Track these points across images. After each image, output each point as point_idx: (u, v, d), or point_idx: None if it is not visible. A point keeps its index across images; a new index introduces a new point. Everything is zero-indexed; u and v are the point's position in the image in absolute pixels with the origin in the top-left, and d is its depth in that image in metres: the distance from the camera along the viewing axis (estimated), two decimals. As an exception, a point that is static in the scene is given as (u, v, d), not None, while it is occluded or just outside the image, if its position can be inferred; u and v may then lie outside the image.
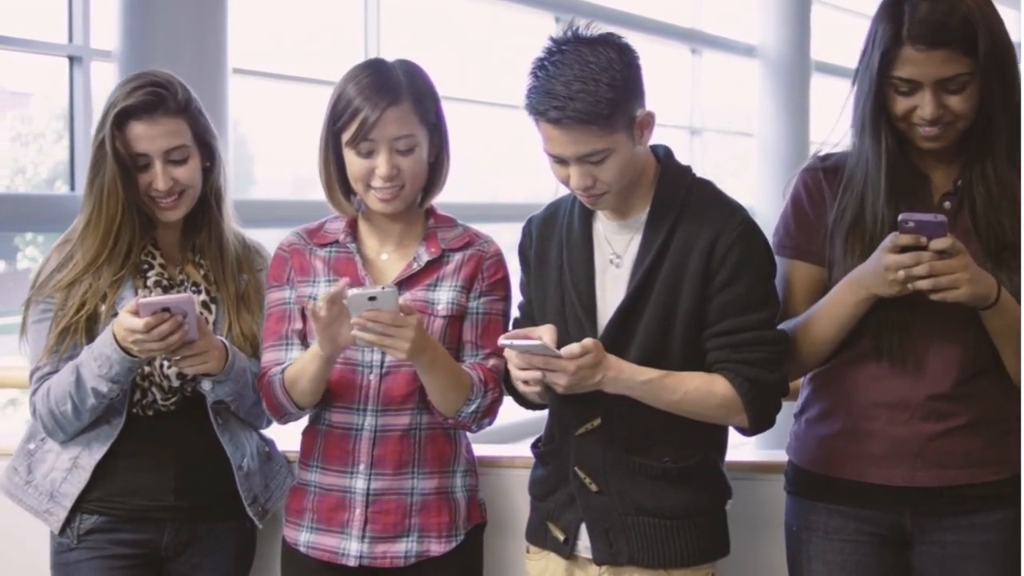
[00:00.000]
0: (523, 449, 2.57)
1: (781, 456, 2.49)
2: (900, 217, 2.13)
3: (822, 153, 2.39)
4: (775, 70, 12.80)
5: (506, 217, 8.47)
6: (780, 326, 2.27)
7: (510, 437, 3.20)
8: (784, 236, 2.38)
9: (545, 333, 2.17)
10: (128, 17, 6.86)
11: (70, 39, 7.30)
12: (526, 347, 2.13)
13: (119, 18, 6.89)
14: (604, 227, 2.32)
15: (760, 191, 12.07)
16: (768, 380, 2.21)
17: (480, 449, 2.58)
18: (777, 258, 2.32)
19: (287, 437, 2.61)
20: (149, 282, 2.47)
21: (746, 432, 2.26)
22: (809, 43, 12.86)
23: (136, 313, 2.24)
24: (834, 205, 2.31)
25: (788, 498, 2.43)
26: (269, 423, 2.54)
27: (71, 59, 7.26)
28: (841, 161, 2.34)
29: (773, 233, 2.36)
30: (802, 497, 2.38)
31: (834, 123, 2.37)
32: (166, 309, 2.24)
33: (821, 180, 2.35)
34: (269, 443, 2.63)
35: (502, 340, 2.16)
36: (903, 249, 2.13)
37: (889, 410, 2.27)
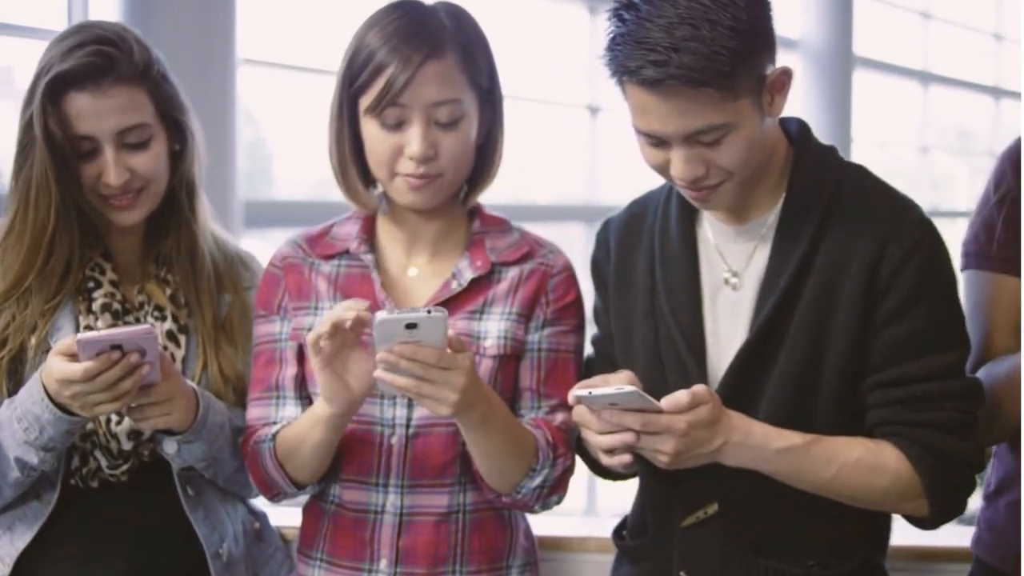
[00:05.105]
0: (598, 526, 1.93)
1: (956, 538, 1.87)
2: None
3: None
4: (817, 65, 12.36)
5: (532, 218, 7.97)
6: (979, 372, 1.65)
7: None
8: (985, 243, 1.78)
9: (621, 381, 1.56)
10: (127, 2, 6.40)
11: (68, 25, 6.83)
12: (610, 397, 1.52)
13: (118, 3, 6.42)
14: (714, 233, 1.71)
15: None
16: (958, 452, 1.61)
17: (540, 525, 1.94)
18: (969, 273, 1.69)
19: (285, 508, 1.99)
20: (95, 305, 1.86)
21: (924, 523, 1.64)
22: (852, 37, 12.40)
23: (73, 357, 1.63)
24: None
25: None
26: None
27: (68, 47, 6.77)
28: None
29: (964, 241, 1.73)
30: None
31: None
32: (117, 347, 1.62)
33: None
34: (260, 517, 2.02)
35: (575, 392, 1.53)
36: None
37: None
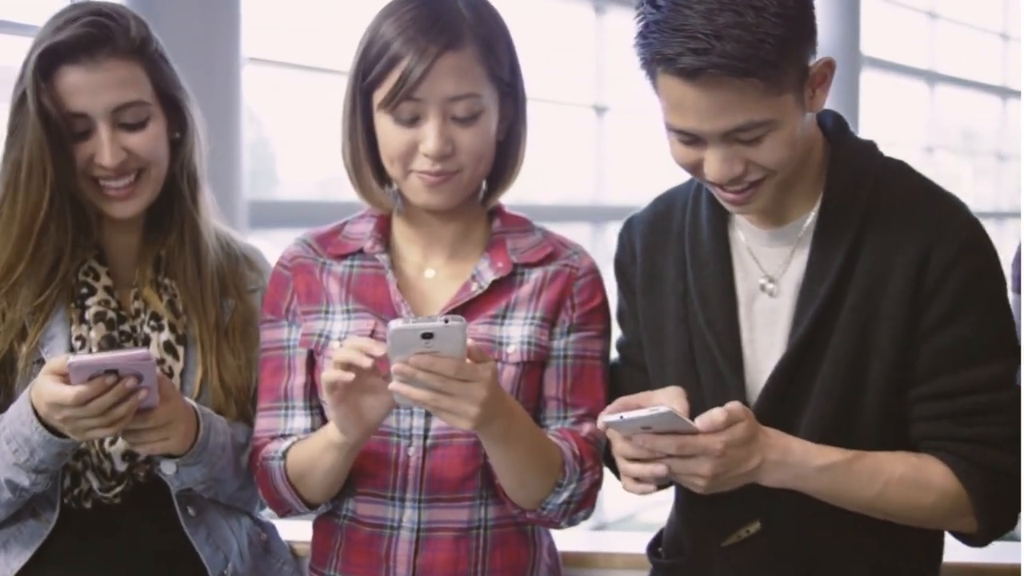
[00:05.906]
0: (625, 541, 1.84)
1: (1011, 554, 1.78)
2: None
3: None
4: (824, 65, 12.27)
5: (536, 219, 7.89)
6: None
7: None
8: None
9: (668, 398, 1.46)
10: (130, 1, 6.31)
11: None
12: (642, 420, 1.43)
13: (120, 1, 6.34)
14: (747, 236, 1.63)
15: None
16: (1007, 466, 1.52)
17: (563, 540, 1.85)
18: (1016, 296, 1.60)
19: (295, 521, 1.89)
20: (88, 314, 1.74)
21: (972, 540, 1.56)
22: (859, 38, 12.33)
23: (64, 377, 1.53)
24: None
25: None
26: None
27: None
28: None
29: (1013, 262, 1.64)
30: None
31: None
32: (112, 371, 1.52)
33: None
34: (268, 529, 1.91)
35: (605, 418, 1.46)
36: None
37: None
